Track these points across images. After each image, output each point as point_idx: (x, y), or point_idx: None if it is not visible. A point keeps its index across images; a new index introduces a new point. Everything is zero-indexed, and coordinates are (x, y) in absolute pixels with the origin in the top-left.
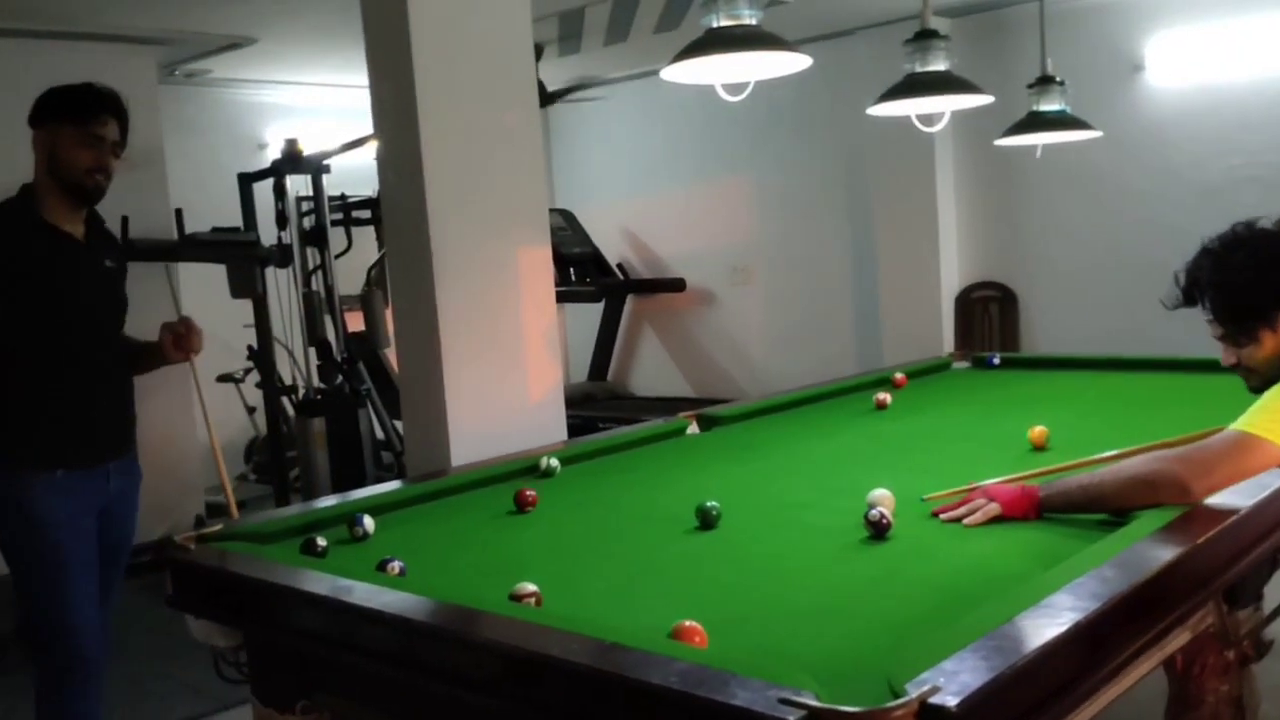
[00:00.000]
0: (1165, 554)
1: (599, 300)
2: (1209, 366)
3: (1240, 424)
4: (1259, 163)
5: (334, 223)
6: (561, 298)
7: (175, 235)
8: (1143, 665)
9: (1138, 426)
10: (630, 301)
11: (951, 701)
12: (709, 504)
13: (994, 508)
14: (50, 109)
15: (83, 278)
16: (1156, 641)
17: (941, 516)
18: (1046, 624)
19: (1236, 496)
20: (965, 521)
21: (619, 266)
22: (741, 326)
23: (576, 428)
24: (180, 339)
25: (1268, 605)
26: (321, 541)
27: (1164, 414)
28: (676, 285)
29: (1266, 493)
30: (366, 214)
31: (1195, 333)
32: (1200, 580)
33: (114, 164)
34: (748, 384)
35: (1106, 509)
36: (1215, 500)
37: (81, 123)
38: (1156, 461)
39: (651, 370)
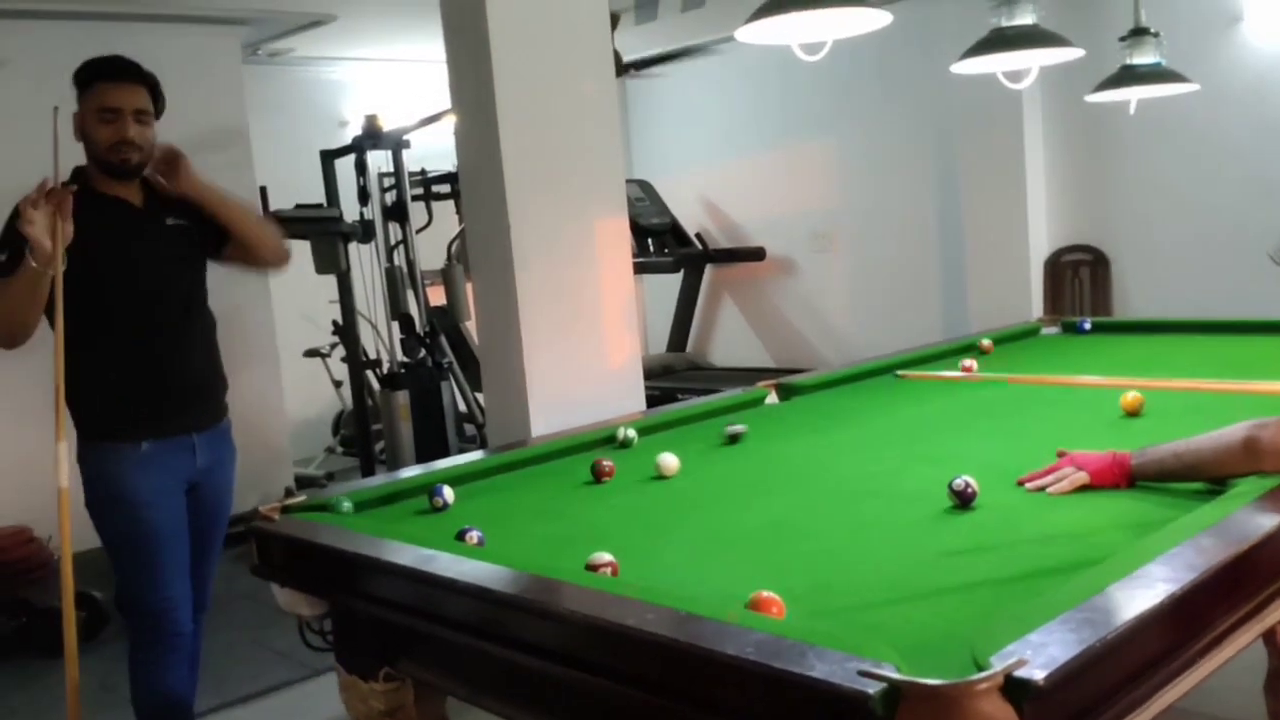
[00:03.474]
0: (1266, 522)
1: (677, 271)
2: None
3: None
4: None
5: (414, 198)
6: (640, 269)
7: (260, 213)
8: (1241, 638)
9: (1239, 389)
10: (709, 271)
11: (1039, 675)
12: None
13: (1082, 476)
14: (76, 84)
15: (143, 243)
16: (1256, 613)
17: (1027, 486)
18: (1139, 595)
19: None
20: (1050, 490)
21: (698, 236)
22: (823, 295)
23: (655, 399)
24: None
25: None
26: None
27: (1266, 379)
28: (756, 254)
29: None
30: (446, 189)
31: None
32: None
33: (145, 133)
34: (830, 353)
35: (1203, 477)
36: None
37: (93, 94)
38: (1257, 428)
39: (732, 341)
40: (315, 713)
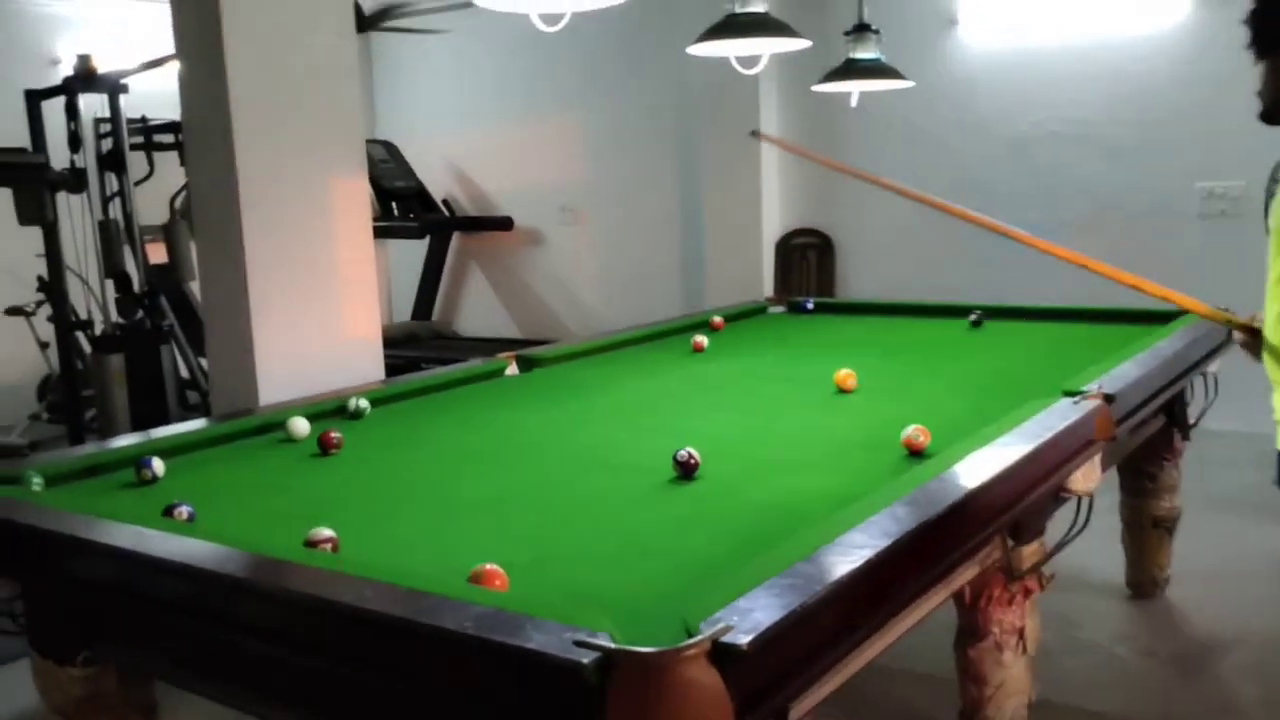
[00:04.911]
0: (953, 493)
1: (423, 237)
2: (1012, 314)
3: None
4: (1061, 118)
5: (134, 147)
6: (383, 233)
7: None
8: (933, 599)
9: (939, 369)
10: (456, 239)
11: (743, 640)
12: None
13: None
14: None
15: None
16: (946, 576)
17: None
18: (840, 561)
19: (1021, 439)
20: None
21: (444, 203)
22: (570, 267)
23: (398, 368)
24: None
25: (1049, 541)
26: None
27: (965, 359)
28: (504, 224)
29: (1050, 434)
30: (170, 139)
31: (1001, 282)
32: (986, 518)
33: None
34: (575, 325)
35: None
36: (1004, 441)
37: None
38: None
39: (478, 310)
40: (7, 702)
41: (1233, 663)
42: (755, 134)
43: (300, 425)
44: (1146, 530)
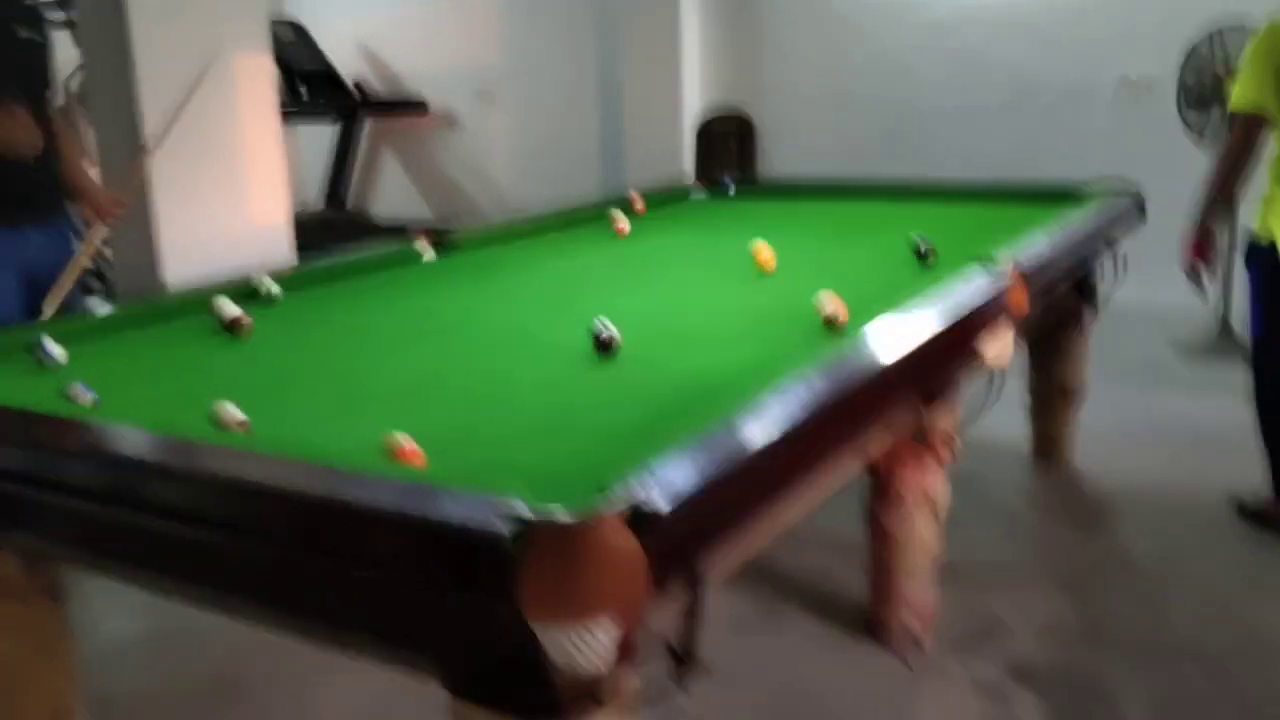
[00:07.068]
0: (867, 361)
1: (333, 120)
2: (927, 194)
3: None
4: (985, 3)
5: None
6: (292, 117)
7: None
8: (847, 464)
9: (856, 246)
10: (369, 123)
11: (659, 504)
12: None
13: None
14: None
15: None
16: (859, 442)
17: None
18: (755, 428)
19: (934, 308)
20: None
21: (356, 86)
22: (486, 150)
23: (310, 252)
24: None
25: (962, 412)
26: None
27: (883, 234)
28: (418, 107)
29: (963, 303)
30: (61, 16)
31: (921, 161)
32: (900, 388)
33: None
34: (493, 209)
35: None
36: (918, 310)
37: None
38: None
39: (393, 196)
40: None
41: (1130, 522)
42: None
43: (228, 308)
44: (1053, 400)
